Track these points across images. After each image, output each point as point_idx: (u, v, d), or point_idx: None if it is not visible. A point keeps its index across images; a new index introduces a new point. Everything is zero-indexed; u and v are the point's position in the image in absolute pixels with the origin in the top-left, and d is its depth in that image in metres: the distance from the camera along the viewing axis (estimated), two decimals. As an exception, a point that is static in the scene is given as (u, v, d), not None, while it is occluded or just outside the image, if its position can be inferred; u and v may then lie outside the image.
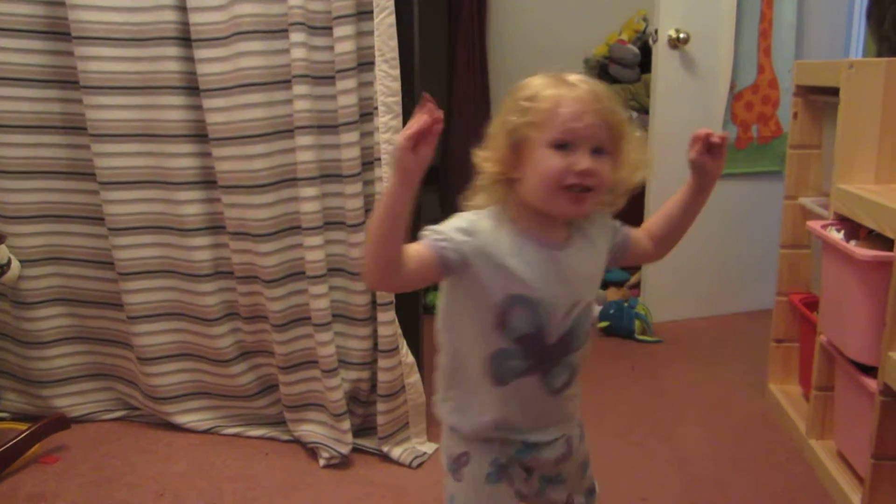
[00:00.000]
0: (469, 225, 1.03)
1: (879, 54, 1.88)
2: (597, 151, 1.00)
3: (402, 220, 0.94)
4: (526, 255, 1.03)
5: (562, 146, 0.99)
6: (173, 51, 1.86)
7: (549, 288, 1.03)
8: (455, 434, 1.14)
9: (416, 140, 0.90)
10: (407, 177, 0.92)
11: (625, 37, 3.27)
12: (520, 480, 1.14)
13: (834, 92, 1.83)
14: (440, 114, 0.90)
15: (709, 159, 1.12)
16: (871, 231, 1.64)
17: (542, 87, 1.01)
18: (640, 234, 1.18)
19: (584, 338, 1.09)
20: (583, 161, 0.98)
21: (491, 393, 1.08)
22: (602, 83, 1.03)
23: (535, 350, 1.06)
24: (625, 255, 1.15)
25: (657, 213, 1.19)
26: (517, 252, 1.02)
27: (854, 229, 1.72)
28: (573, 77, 1.02)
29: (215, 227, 1.97)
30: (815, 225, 1.83)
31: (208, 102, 1.84)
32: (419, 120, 0.90)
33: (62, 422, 2.02)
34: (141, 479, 1.88)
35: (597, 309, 2.89)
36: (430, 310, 3.03)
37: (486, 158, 1.04)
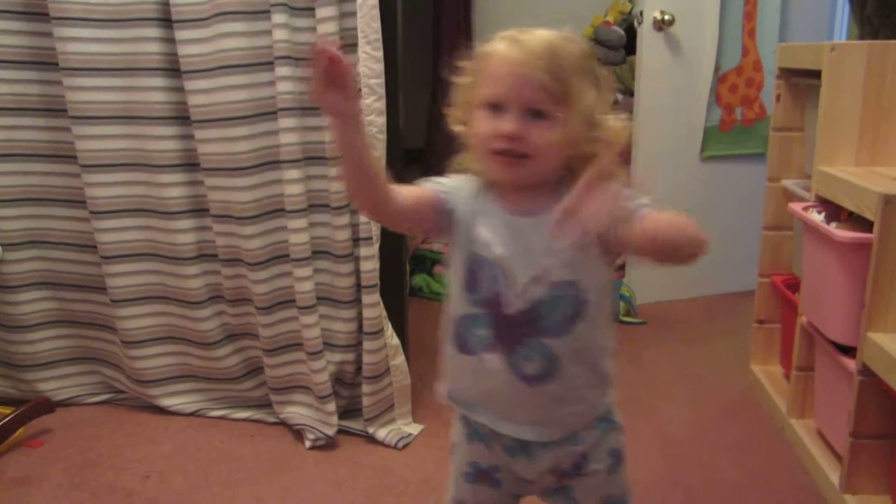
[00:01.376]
0: (455, 181, 1.03)
1: (861, 37, 1.89)
2: (534, 114, 0.92)
3: (362, 157, 0.93)
4: (490, 216, 1.00)
5: (493, 107, 0.94)
6: (154, 32, 1.85)
7: (506, 253, 0.98)
8: (456, 417, 1.11)
9: (319, 86, 0.88)
10: (341, 118, 0.91)
11: (610, 18, 3.26)
12: (512, 483, 1.10)
13: (816, 75, 1.83)
14: (332, 52, 0.87)
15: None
16: (851, 213, 1.65)
17: (491, 43, 0.97)
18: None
19: (559, 321, 0.97)
20: (506, 124, 0.92)
21: (462, 361, 1.03)
22: (564, 39, 0.95)
23: (496, 319, 0.99)
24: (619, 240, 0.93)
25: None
26: (482, 212, 1.00)
27: (835, 211, 1.73)
28: (530, 34, 0.95)
29: (199, 209, 1.96)
30: (796, 207, 1.84)
31: (190, 84, 1.83)
32: (318, 57, 0.87)
33: (47, 405, 2.01)
34: (126, 461, 1.88)
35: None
36: (415, 292, 3.05)
37: (451, 118, 1.03)
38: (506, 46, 0.94)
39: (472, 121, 0.98)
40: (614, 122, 0.97)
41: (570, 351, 0.99)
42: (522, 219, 0.98)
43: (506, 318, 0.99)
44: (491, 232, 0.99)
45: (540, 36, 0.95)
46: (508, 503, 1.14)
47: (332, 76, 0.88)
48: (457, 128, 1.02)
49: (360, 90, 1.78)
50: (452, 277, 1.04)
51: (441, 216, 1.01)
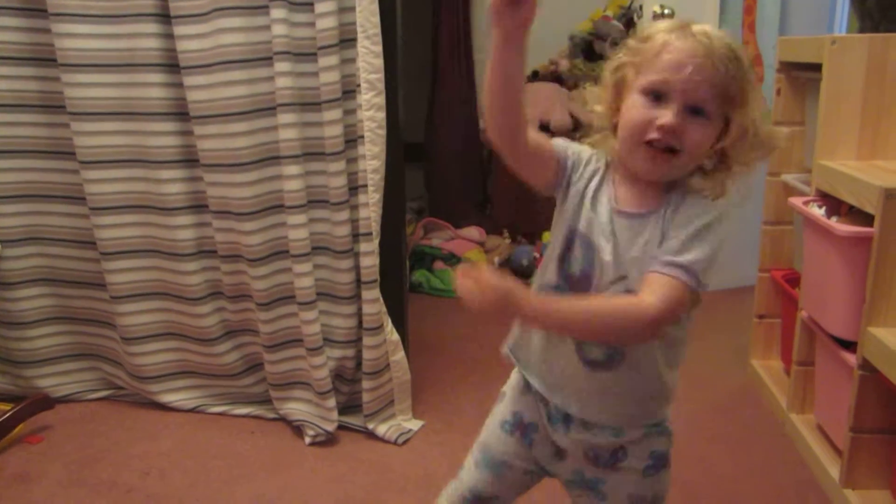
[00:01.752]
0: (590, 154, 1.01)
1: (862, 30, 1.89)
2: (694, 111, 0.91)
3: (510, 74, 0.90)
4: (601, 200, 0.98)
5: (654, 95, 0.92)
6: (152, 27, 1.84)
7: (604, 244, 0.97)
8: (516, 369, 1.12)
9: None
10: (507, 37, 0.87)
11: (610, 13, 3.25)
12: (544, 452, 1.09)
13: (817, 68, 1.83)
14: None
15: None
16: (851, 207, 1.65)
17: (659, 30, 0.94)
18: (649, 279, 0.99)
19: None
20: (667, 115, 0.90)
21: (540, 333, 1.04)
22: (737, 43, 0.93)
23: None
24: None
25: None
26: (597, 194, 0.99)
27: (835, 205, 1.73)
28: (698, 27, 0.92)
29: (198, 205, 1.96)
30: (796, 201, 1.84)
31: (189, 80, 1.82)
32: None
33: (46, 402, 2.01)
34: (126, 458, 1.88)
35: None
36: (415, 288, 3.05)
37: (593, 96, 1.01)
38: (686, 38, 0.91)
39: (623, 103, 0.96)
40: (772, 129, 0.97)
41: (634, 355, 0.99)
42: (623, 220, 0.97)
43: None
44: (598, 217, 0.98)
45: (719, 34, 0.93)
46: (529, 471, 1.12)
47: None
48: (598, 107, 1.00)
49: (358, 85, 1.78)
50: (551, 242, 1.03)
51: (560, 176, 1.00)
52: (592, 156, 1.02)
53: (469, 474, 1.15)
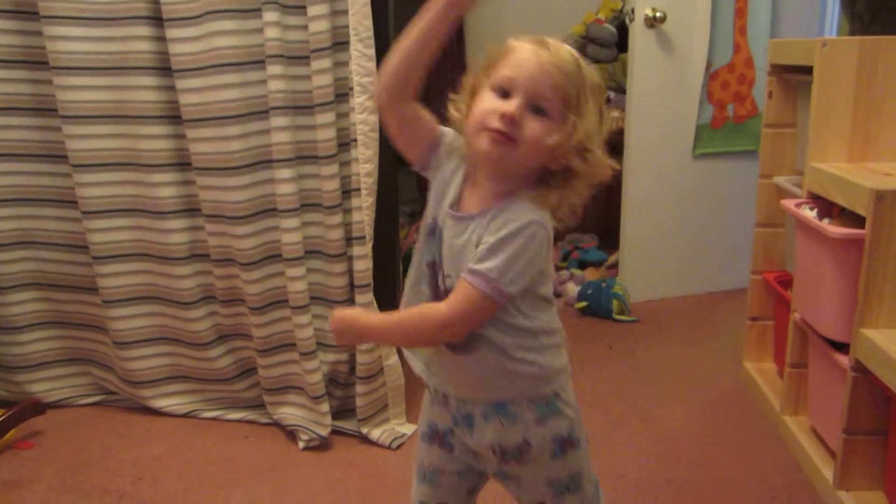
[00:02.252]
0: (457, 142, 1.07)
1: (852, 33, 1.89)
2: (535, 109, 0.98)
3: (427, 39, 0.98)
4: (451, 195, 1.06)
5: (502, 91, 0.99)
6: (144, 30, 1.84)
7: (445, 238, 1.05)
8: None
9: None
10: (450, 6, 0.95)
11: (602, 16, 3.26)
12: (464, 453, 1.14)
13: (808, 71, 1.83)
14: None
15: None
16: (843, 209, 1.65)
17: (516, 39, 1.02)
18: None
19: None
20: (508, 106, 0.97)
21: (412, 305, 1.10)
22: (583, 60, 1.01)
23: (434, 286, 1.07)
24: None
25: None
26: (446, 191, 1.06)
27: (827, 207, 1.74)
28: (555, 42, 1.00)
29: (191, 209, 1.95)
30: (788, 203, 1.84)
31: (181, 83, 1.82)
32: None
33: (37, 407, 2.00)
34: (118, 463, 1.87)
35: (574, 289, 2.90)
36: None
37: (452, 102, 1.07)
38: (537, 45, 0.99)
39: (476, 101, 1.02)
40: (604, 156, 1.01)
41: (482, 341, 1.03)
42: (450, 220, 1.04)
43: (438, 290, 1.07)
44: (443, 211, 1.05)
45: (569, 49, 1.01)
46: (461, 472, 1.17)
47: None
48: (455, 113, 1.06)
49: (351, 88, 1.78)
50: (424, 217, 1.10)
51: (429, 155, 1.07)
52: (459, 150, 1.07)
53: (413, 491, 1.22)
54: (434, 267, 1.07)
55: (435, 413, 1.16)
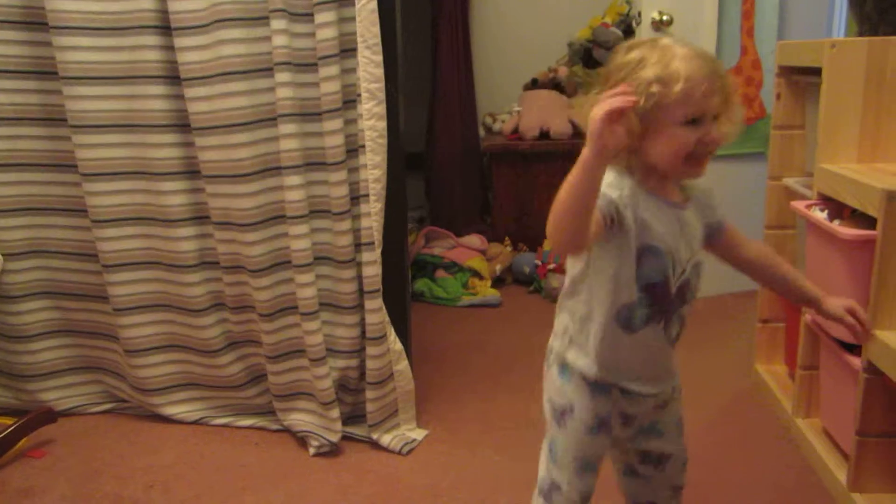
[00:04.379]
0: (616, 182, 1.11)
1: (861, 34, 1.89)
2: (714, 118, 1.09)
3: (596, 191, 1.01)
4: (657, 210, 1.12)
5: (693, 121, 1.07)
6: (153, 39, 1.84)
7: (674, 241, 1.14)
8: (565, 385, 1.21)
9: (614, 116, 0.95)
10: (603, 150, 0.97)
11: (608, 20, 3.26)
12: (617, 427, 1.22)
13: (817, 72, 1.83)
14: (633, 98, 0.98)
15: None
16: (854, 210, 1.64)
17: (666, 66, 1.06)
18: (734, 232, 1.27)
19: (695, 292, 1.19)
20: (713, 132, 1.08)
21: (622, 339, 1.16)
22: (706, 51, 1.10)
23: (660, 299, 1.15)
24: (718, 238, 1.24)
25: (771, 259, 1.32)
26: (650, 207, 1.12)
27: (838, 209, 1.73)
28: (691, 48, 1.08)
29: (200, 217, 1.96)
30: (799, 205, 1.84)
31: (190, 91, 1.82)
32: (618, 99, 0.95)
33: (49, 415, 2.01)
34: (130, 470, 1.87)
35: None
36: (417, 297, 3.04)
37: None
38: (687, 65, 1.06)
39: (660, 134, 1.09)
40: (738, 108, 1.14)
41: (690, 312, 1.21)
42: (680, 210, 1.16)
43: (668, 297, 1.16)
44: (660, 222, 1.12)
45: (703, 49, 1.11)
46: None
47: (622, 114, 0.97)
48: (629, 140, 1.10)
49: (359, 95, 1.78)
50: (609, 271, 1.14)
51: (610, 224, 1.10)
52: (614, 184, 1.11)
53: (574, 487, 1.22)
54: (664, 280, 1.14)
55: (599, 404, 1.19)
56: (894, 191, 1.46)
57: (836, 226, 1.64)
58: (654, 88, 1.06)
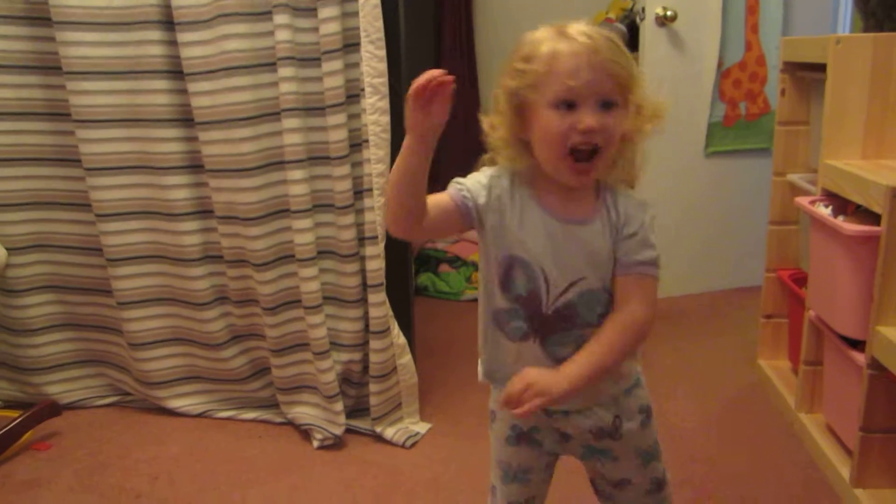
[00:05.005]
0: (489, 180, 1.04)
1: (866, 30, 1.88)
2: (605, 105, 0.96)
3: (419, 175, 0.95)
4: (529, 219, 1.02)
5: (565, 105, 0.95)
6: (156, 34, 1.84)
7: (544, 257, 1.02)
8: (492, 389, 1.17)
9: (421, 98, 0.90)
10: (418, 134, 0.93)
11: (612, 15, 3.25)
12: (552, 442, 1.15)
13: (821, 68, 1.82)
14: (448, 76, 0.90)
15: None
16: (858, 206, 1.64)
17: (538, 43, 0.98)
18: (624, 287, 1.04)
19: (591, 318, 1.04)
20: (586, 118, 0.95)
21: (502, 346, 1.09)
22: (605, 31, 0.98)
23: (533, 315, 1.05)
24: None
25: (602, 332, 1.04)
26: (521, 215, 1.03)
27: (842, 205, 1.73)
28: (573, 29, 0.97)
29: (204, 211, 1.96)
30: (803, 201, 1.83)
31: (193, 86, 1.83)
32: (423, 76, 0.90)
33: (54, 408, 2.02)
34: (135, 463, 1.88)
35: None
36: (421, 291, 3.05)
37: (491, 124, 1.04)
38: (568, 43, 0.95)
39: (534, 122, 0.98)
40: (654, 97, 1.01)
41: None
42: (564, 225, 1.02)
43: (542, 316, 1.04)
44: (530, 234, 1.02)
45: (594, 29, 0.98)
46: (549, 462, 1.18)
47: (436, 94, 0.91)
48: (499, 132, 1.02)
49: (362, 89, 1.78)
50: (486, 271, 1.08)
51: (467, 220, 1.04)
52: (492, 180, 1.04)
53: (500, 492, 1.20)
54: (532, 296, 1.03)
55: (514, 414, 1.09)
56: (898, 187, 1.45)
57: (841, 222, 1.64)
58: (520, 65, 0.98)
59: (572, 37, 0.96)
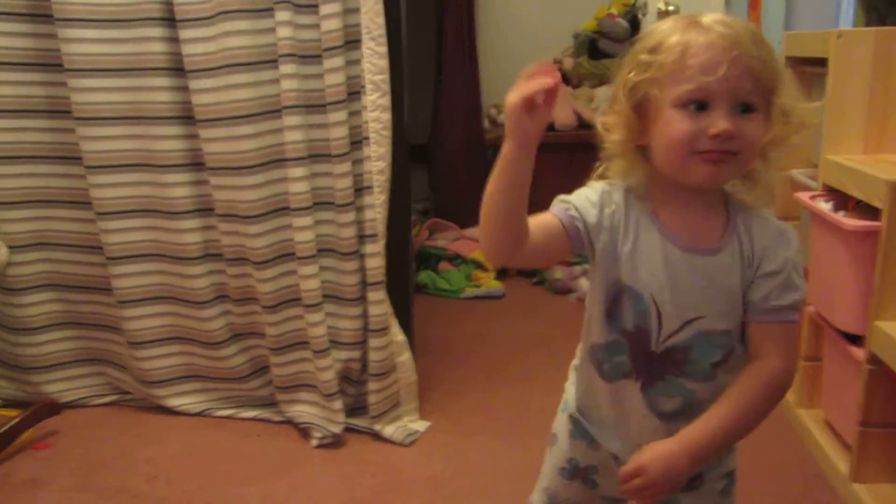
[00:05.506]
0: (599, 197, 0.92)
1: (868, 24, 1.88)
2: (744, 109, 0.83)
3: (523, 188, 0.84)
4: (645, 243, 0.90)
5: (695, 105, 0.83)
6: (158, 31, 1.84)
7: (659, 289, 0.89)
8: (560, 411, 1.08)
9: (531, 100, 0.79)
10: (523, 140, 0.82)
11: (614, 10, 3.25)
12: (611, 486, 1.01)
13: (823, 63, 1.82)
14: (558, 75, 0.80)
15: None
16: (858, 202, 1.64)
17: (667, 33, 0.85)
18: (762, 335, 0.90)
19: (706, 367, 0.92)
20: (719, 122, 0.81)
21: (599, 384, 0.98)
22: (747, 23, 0.87)
23: (637, 352, 0.93)
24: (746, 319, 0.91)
25: (739, 384, 0.93)
26: (635, 236, 0.90)
27: (842, 200, 1.72)
28: (708, 18, 0.85)
29: (204, 209, 1.96)
30: (803, 196, 1.83)
31: (194, 83, 1.82)
32: (536, 80, 0.79)
33: (53, 407, 2.02)
34: (133, 462, 1.88)
35: (586, 284, 2.89)
36: (421, 289, 3.05)
37: (607, 125, 0.91)
38: (703, 33, 0.83)
39: (654, 125, 0.87)
40: (801, 106, 0.88)
41: (712, 395, 0.92)
42: (687, 254, 0.89)
43: (648, 354, 0.93)
44: (645, 261, 0.90)
45: (736, 19, 0.85)
46: None
47: (545, 96, 0.80)
48: (614, 136, 0.90)
49: (363, 86, 1.78)
50: (592, 299, 0.96)
51: (576, 242, 0.91)
52: (604, 196, 0.92)
53: None
54: (640, 331, 0.92)
55: (577, 450, 1.04)
56: (899, 182, 1.45)
57: (841, 217, 1.63)
58: (644, 57, 0.86)
59: (708, 26, 0.83)
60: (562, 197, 0.93)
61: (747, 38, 0.82)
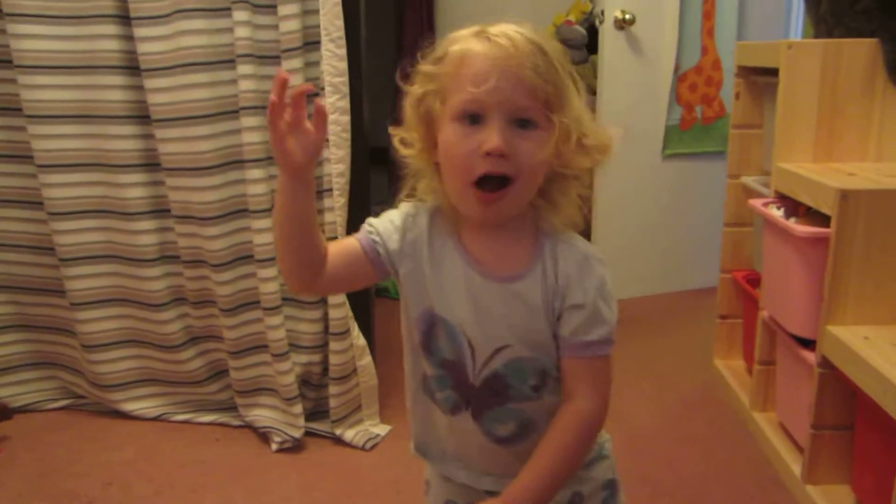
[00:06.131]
0: (403, 220, 0.87)
1: (817, 36, 1.93)
2: (520, 125, 0.78)
3: (306, 218, 0.80)
4: (449, 272, 0.85)
5: (470, 118, 0.78)
6: (112, 29, 1.81)
7: (466, 319, 0.85)
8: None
9: (280, 120, 0.75)
10: (292, 170, 0.78)
11: (572, 17, 3.28)
12: None
13: (774, 72, 1.87)
14: (306, 84, 0.76)
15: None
16: (809, 208, 1.68)
17: (452, 42, 0.81)
18: (573, 371, 0.85)
19: (525, 390, 0.87)
20: (492, 136, 0.76)
21: (439, 419, 0.93)
22: (542, 37, 0.80)
23: (462, 384, 0.88)
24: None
25: (552, 432, 0.86)
26: (440, 263, 0.85)
27: (793, 207, 1.76)
28: (498, 28, 0.80)
29: (160, 210, 1.93)
30: (756, 203, 1.87)
31: (150, 83, 1.80)
32: (273, 88, 0.75)
33: (4, 412, 1.97)
34: (88, 468, 1.84)
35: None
36: (381, 292, 3.04)
37: (401, 139, 0.86)
38: (482, 43, 0.79)
39: (439, 138, 0.82)
40: (599, 129, 0.84)
41: (544, 411, 0.88)
42: (486, 282, 0.84)
43: (470, 386, 0.88)
44: (450, 290, 0.85)
45: (518, 31, 0.79)
46: None
47: (292, 125, 0.76)
48: (408, 151, 0.85)
49: (322, 89, 1.77)
50: (409, 329, 0.91)
51: (379, 268, 0.87)
52: (407, 220, 0.87)
53: None
54: (458, 362, 0.87)
55: (452, 490, 0.98)
56: (848, 189, 1.49)
57: (792, 223, 1.67)
58: (428, 67, 0.82)
59: (491, 37, 0.79)
60: (369, 220, 0.89)
61: (528, 51, 0.77)
